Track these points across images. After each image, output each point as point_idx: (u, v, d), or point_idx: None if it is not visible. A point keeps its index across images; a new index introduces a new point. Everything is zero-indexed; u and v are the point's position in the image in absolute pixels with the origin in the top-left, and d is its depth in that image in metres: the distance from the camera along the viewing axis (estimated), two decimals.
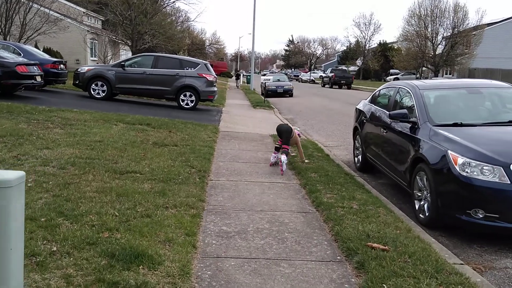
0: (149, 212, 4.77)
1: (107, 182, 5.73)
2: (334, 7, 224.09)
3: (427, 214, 5.43)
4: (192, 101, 16.02)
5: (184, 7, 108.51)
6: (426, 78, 62.88)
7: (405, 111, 6.22)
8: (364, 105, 8.60)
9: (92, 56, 36.15)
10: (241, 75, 46.51)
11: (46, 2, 28.04)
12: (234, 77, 69.39)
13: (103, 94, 15.82)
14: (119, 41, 33.66)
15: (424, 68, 59.20)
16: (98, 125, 9.82)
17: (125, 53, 37.80)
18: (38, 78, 13.51)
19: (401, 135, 6.31)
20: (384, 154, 6.97)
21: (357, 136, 8.60)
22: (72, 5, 36.51)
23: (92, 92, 15.80)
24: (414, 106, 6.24)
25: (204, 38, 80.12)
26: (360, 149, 8.40)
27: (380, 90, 8.19)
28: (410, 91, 6.61)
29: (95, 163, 6.53)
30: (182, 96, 15.98)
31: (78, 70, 16.16)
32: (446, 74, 52.21)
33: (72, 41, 32.34)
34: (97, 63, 30.12)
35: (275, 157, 8.01)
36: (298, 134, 8.47)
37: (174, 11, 46.84)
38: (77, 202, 4.86)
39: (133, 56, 19.50)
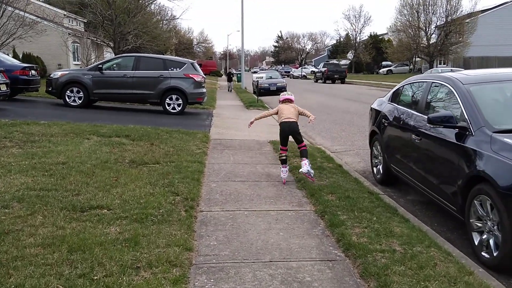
0: (110, 280, 3.29)
1: (61, 227, 4.24)
2: (321, 1, 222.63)
3: (495, 253, 4.01)
4: (179, 105, 14.51)
5: (168, 4, 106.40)
6: (420, 69, 61.81)
7: (450, 113, 4.76)
8: (382, 104, 7.16)
9: (75, 60, 34.45)
10: (234, 75, 37.59)
11: (21, 4, 26.32)
12: (225, 77, 67.54)
13: (80, 102, 14.27)
14: (101, 43, 31.98)
15: (418, 59, 58.09)
16: (66, 141, 8.30)
17: (110, 56, 36.09)
18: (2, 87, 11.92)
19: (444, 144, 4.87)
20: (418, 167, 5.54)
21: (376, 142, 7.17)
22: (49, 6, 34.72)
23: (67, 100, 14.24)
24: (461, 107, 4.79)
25: (191, 37, 78.57)
26: (380, 158, 6.97)
27: (403, 86, 6.74)
28: (450, 87, 5.16)
29: (49, 197, 5.03)
30: (167, 99, 14.47)
31: (51, 75, 14.58)
32: (440, 64, 51.01)
33: (53, 45, 30.60)
34: (81, 67, 28.47)
35: (286, 171, 6.62)
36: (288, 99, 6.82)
37: (158, 10, 45.19)
38: (8, 269, 3.37)
39: (111, 57, 17.93)
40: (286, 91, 30.18)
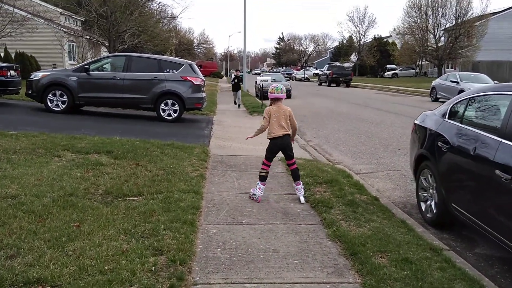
0: None
1: None
2: (323, 2, 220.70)
3: None
4: (175, 111, 12.86)
5: (167, 2, 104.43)
6: (426, 73, 60.15)
7: None
8: (433, 120, 5.50)
9: (70, 60, 32.85)
10: (242, 79, 24.47)
11: (10, 0, 24.67)
12: (226, 79, 64.63)
13: (64, 106, 12.62)
14: (97, 42, 30.32)
15: (424, 63, 56.50)
16: (30, 160, 6.63)
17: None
18: None
19: None
20: (505, 216, 3.87)
21: (425, 171, 5.49)
22: (43, 3, 33.09)
23: (49, 104, 12.59)
24: None
25: (192, 38, 77.00)
26: (432, 191, 5.31)
27: (470, 98, 5.02)
28: None
29: None
30: (162, 105, 12.83)
31: (31, 76, 12.90)
32: (448, 68, 49.32)
33: (47, 44, 28.95)
34: None
35: (261, 190, 5.77)
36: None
37: (159, 10, 43.50)
38: None
39: (99, 57, 16.26)
40: (290, 94, 28.40)
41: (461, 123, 4.91)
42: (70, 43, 33.08)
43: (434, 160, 5.16)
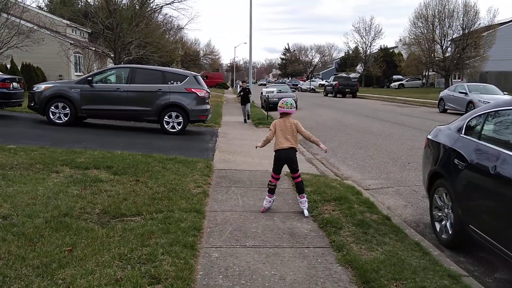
0: None
1: None
2: (329, 13, 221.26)
3: None
4: (179, 124, 12.65)
5: (173, 13, 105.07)
6: (432, 83, 59.75)
7: None
8: (450, 136, 5.20)
9: (77, 71, 32.90)
10: (249, 90, 20.33)
11: (17, 12, 24.73)
12: (232, 90, 63.89)
13: (66, 119, 12.44)
14: (102, 53, 30.30)
15: (430, 73, 56.18)
16: (27, 176, 6.39)
17: None
18: None
19: None
20: None
21: (440, 190, 5.18)
22: (48, 15, 33.26)
23: (52, 116, 12.42)
24: None
25: (198, 49, 77.38)
26: (447, 211, 5.00)
27: (490, 113, 4.71)
28: None
29: None
30: (166, 117, 12.63)
31: (34, 88, 12.75)
32: (455, 78, 48.94)
33: (54, 55, 28.97)
34: None
35: (269, 202, 5.92)
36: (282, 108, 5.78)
37: (165, 21, 43.60)
38: None
39: (103, 69, 16.11)
40: (296, 105, 28.51)
41: (479, 139, 4.61)
42: (76, 54, 33.15)
43: (450, 178, 4.86)
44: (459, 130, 5.08)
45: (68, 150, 8.52)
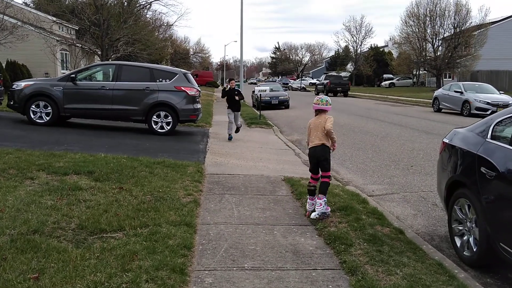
0: None
1: None
2: (319, 13, 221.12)
3: None
4: (168, 124, 11.98)
5: (162, 9, 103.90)
6: (423, 82, 59.57)
7: None
8: (473, 141, 4.61)
9: (63, 69, 32.01)
10: (239, 92, 12.61)
11: (0, 7, 23.80)
12: (220, 94, 62.83)
13: (48, 118, 11.71)
14: (90, 50, 29.44)
15: (421, 72, 55.98)
16: None
17: None
18: None
19: None
20: None
21: (461, 201, 4.61)
22: (34, 11, 32.28)
23: (32, 116, 11.67)
24: None
25: (188, 47, 76.37)
26: (470, 225, 4.43)
27: None
28: None
29: None
30: (154, 117, 11.95)
31: (13, 86, 12.00)
32: (446, 77, 48.74)
33: (39, 52, 28.05)
34: None
35: (312, 204, 5.61)
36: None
37: (154, 18, 42.74)
38: None
39: (87, 66, 15.36)
40: (288, 104, 27.63)
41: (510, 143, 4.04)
42: (63, 51, 32.25)
43: (475, 189, 4.28)
44: (484, 134, 4.50)
45: (47, 153, 7.83)
